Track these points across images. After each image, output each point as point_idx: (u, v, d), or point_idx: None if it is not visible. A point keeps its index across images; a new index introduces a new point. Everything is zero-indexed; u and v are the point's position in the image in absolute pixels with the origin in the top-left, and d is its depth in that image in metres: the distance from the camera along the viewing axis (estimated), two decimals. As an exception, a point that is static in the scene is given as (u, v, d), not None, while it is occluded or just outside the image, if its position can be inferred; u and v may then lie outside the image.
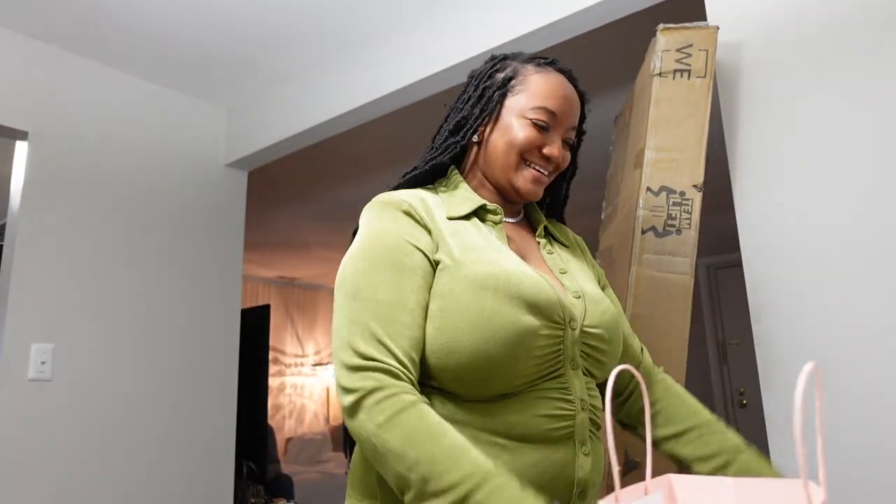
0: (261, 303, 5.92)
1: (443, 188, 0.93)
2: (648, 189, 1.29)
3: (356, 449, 0.85)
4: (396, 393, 0.70)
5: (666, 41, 1.34)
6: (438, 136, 0.97)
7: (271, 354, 5.91)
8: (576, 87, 0.94)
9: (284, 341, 6.38)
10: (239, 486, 4.08)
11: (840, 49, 1.27)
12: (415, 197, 0.87)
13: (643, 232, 1.27)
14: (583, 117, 0.98)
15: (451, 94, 2.23)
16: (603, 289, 1.01)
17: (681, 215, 1.27)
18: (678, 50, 1.33)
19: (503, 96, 0.92)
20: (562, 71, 0.93)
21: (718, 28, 1.33)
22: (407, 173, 0.95)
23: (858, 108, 1.23)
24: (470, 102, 0.94)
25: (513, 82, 0.92)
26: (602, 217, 1.74)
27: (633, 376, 0.96)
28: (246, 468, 4.32)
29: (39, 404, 2.04)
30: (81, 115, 2.31)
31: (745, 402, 4.64)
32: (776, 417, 1.24)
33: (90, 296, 2.22)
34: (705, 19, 1.47)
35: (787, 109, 1.31)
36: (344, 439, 0.91)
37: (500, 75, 0.94)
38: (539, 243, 0.96)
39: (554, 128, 0.90)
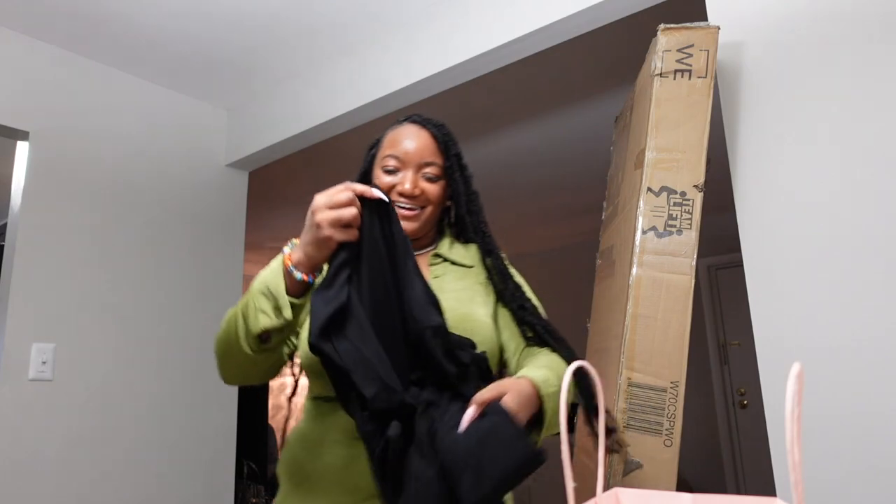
0: (261, 303, 5.90)
1: None
2: (649, 189, 1.29)
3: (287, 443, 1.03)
4: None
5: (666, 41, 1.34)
6: None
7: (271, 354, 5.89)
8: (431, 129, 1.05)
9: (285, 341, 6.36)
10: (239, 486, 4.08)
11: (840, 49, 1.27)
12: None
13: (644, 232, 1.27)
14: (451, 153, 1.05)
15: (451, 94, 2.25)
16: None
17: (681, 215, 1.27)
18: (679, 50, 1.33)
19: (373, 157, 1.08)
20: (414, 121, 1.06)
21: (719, 28, 1.33)
22: None
23: (858, 108, 1.23)
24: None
25: (378, 146, 1.09)
26: (602, 217, 1.74)
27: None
28: (246, 468, 4.32)
29: (40, 404, 2.04)
30: (82, 116, 2.31)
31: (745, 402, 4.64)
32: (776, 418, 1.25)
33: (91, 296, 2.22)
34: (706, 19, 1.47)
35: (787, 110, 1.32)
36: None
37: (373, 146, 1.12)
38: (430, 270, 1.06)
39: (403, 169, 1.02)
